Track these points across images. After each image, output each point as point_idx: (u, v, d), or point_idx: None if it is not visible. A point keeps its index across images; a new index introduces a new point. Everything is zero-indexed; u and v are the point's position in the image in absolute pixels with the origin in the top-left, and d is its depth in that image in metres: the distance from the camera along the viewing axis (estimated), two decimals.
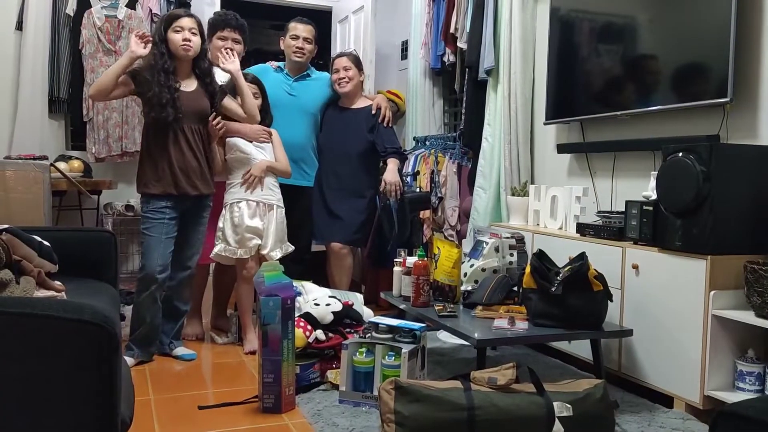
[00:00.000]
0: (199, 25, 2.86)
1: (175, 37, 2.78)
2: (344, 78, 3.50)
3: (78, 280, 2.23)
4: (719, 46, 2.41)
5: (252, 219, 3.00)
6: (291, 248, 3.14)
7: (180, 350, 2.95)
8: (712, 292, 2.19)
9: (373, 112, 3.53)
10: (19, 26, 4.08)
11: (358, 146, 3.51)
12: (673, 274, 2.33)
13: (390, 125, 3.55)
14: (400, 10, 4.95)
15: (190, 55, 2.82)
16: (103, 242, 2.56)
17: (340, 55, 3.59)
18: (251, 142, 3.06)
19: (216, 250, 3.01)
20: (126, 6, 4.22)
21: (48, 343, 1.24)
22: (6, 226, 1.89)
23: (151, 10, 4.29)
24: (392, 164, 3.47)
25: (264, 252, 3.01)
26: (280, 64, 3.58)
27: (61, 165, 3.81)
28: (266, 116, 3.16)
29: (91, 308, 1.27)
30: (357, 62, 3.56)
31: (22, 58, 4.05)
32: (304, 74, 3.54)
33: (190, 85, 2.86)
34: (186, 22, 2.80)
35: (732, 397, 2.15)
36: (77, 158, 4.07)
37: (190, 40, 2.79)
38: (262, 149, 3.08)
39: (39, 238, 2.00)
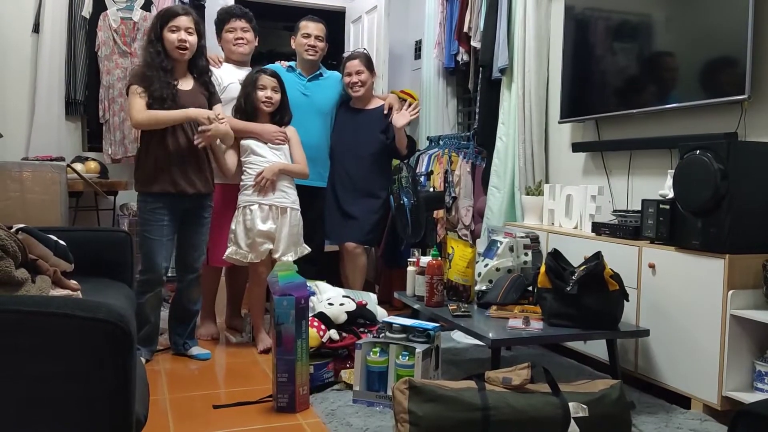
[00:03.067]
0: (197, 22, 2.81)
1: (171, 37, 2.73)
2: (357, 82, 3.49)
3: (93, 279, 2.24)
4: (737, 42, 2.38)
5: (264, 223, 2.98)
6: (307, 250, 3.12)
7: (195, 350, 2.97)
8: (730, 292, 2.16)
9: (385, 112, 3.52)
10: (36, 29, 4.12)
11: (370, 147, 3.51)
12: (690, 274, 2.31)
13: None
14: (414, 10, 4.95)
15: (185, 58, 2.79)
16: (119, 242, 2.57)
17: (352, 57, 3.56)
18: (266, 143, 3.05)
19: (228, 252, 3.01)
20: (141, 8, 4.25)
21: (64, 341, 1.25)
22: (22, 225, 1.91)
23: None
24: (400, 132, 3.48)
25: (275, 256, 3.00)
26: (291, 63, 3.58)
27: (78, 166, 3.85)
28: (285, 113, 3.13)
29: (107, 307, 1.28)
30: (369, 64, 3.54)
31: (39, 60, 4.09)
32: (316, 74, 3.54)
33: (186, 84, 2.83)
34: (183, 21, 2.74)
35: (750, 398, 2.12)
36: (93, 159, 4.10)
37: (185, 41, 2.74)
38: (277, 151, 3.07)
39: (55, 238, 2.01)
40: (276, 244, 3.01)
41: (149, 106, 2.71)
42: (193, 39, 2.77)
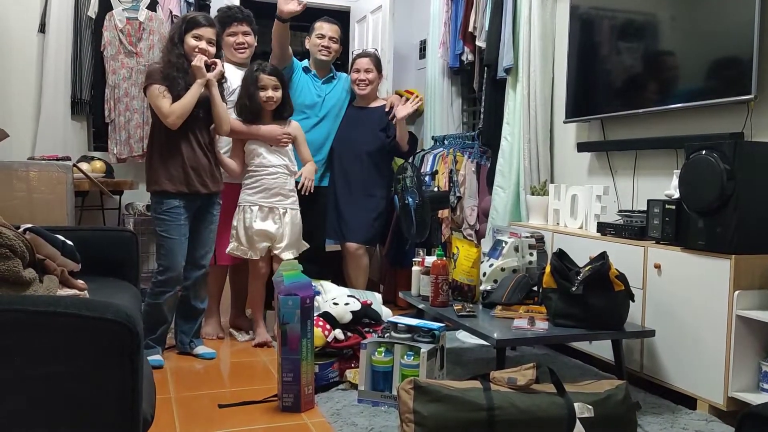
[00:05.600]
0: (218, 35, 2.88)
1: (192, 43, 2.80)
2: (364, 80, 3.51)
3: (100, 279, 2.25)
4: (743, 42, 2.38)
5: (264, 222, 3.06)
6: (305, 246, 3.19)
7: (200, 349, 2.98)
8: (737, 292, 2.16)
9: (387, 109, 3.54)
10: (42, 28, 4.13)
11: (369, 145, 3.52)
12: (696, 274, 2.30)
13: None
14: (419, 10, 4.94)
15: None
16: (125, 242, 2.58)
17: (363, 55, 3.60)
18: (271, 146, 3.10)
19: (230, 248, 3.11)
20: (147, 8, 4.26)
21: (71, 341, 1.26)
22: (29, 225, 1.91)
23: (171, 12, 4.32)
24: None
25: (276, 252, 3.09)
26: (305, 63, 3.61)
27: (84, 166, 3.86)
28: (285, 108, 3.17)
29: (114, 306, 1.28)
30: (378, 64, 3.58)
31: (45, 60, 4.10)
32: (330, 76, 3.58)
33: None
34: (207, 32, 2.82)
35: (756, 399, 2.12)
36: (99, 159, 4.11)
37: (205, 51, 2.81)
38: (280, 153, 3.11)
39: (62, 238, 2.02)
40: (276, 242, 3.09)
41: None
42: (212, 50, 2.84)
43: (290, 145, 3.17)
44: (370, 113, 3.58)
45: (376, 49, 3.97)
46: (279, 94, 3.11)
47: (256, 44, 3.42)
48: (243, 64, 3.35)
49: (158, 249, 2.87)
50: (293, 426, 2.20)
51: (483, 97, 3.84)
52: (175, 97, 2.74)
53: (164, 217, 2.81)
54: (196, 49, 2.79)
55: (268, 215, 3.08)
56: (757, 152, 2.23)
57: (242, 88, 3.12)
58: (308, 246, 3.20)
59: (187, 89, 2.76)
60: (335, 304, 2.74)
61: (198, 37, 2.80)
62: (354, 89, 3.57)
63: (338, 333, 2.62)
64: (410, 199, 3.41)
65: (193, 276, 2.96)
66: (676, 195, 2.43)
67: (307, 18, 3.61)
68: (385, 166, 3.61)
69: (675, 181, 2.50)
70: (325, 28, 3.52)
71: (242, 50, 3.33)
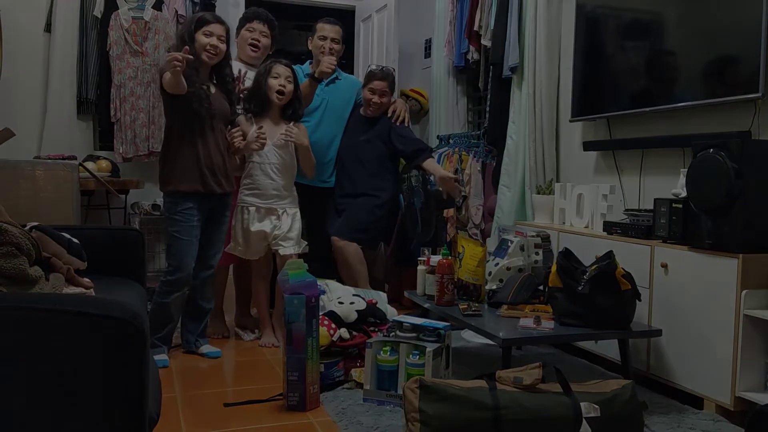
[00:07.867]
0: (227, 31, 2.87)
1: (203, 41, 2.79)
2: (378, 104, 3.48)
3: (106, 277, 2.25)
4: (750, 39, 2.36)
5: (261, 222, 3.05)
6: (304, 243, 3.16)
7: (205, 348, 2.98)
8: (744, 292, 2.14)
9: (389, 114, 3.52)
10: (48, 28, 4.14)
11: (373, 151, 3.50)
12: (703, 273, 2.29)
13: (407, 125, 3.56)
14: (424, 8, 4.93)
15: (212, 62, 2.84)
16: (131, 240, 2.58)
17: (381, 77, 3.49)
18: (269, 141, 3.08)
19: (228, 247, 3.10)
20: (152, 7, 4.27)
21: (77, 339, 1.25)
22: (36, 223, 1.92)
23: (176, 11, 4.33)
24: (432, 162, 3.45)
25: (276, 249, 3.06)
26: (306, 68, 3.59)
27: (90, 165, 3.87)
28: (298, 106, 3.14)
29: (120, 305, 1.28)
30: (393, 87, 3.57)
31: (51, 59, 4.12)
32: (333, 77, 3.56)
33: (211, 87, 2.88)
34: (217, 28, 2.82)
35: (764, 399, 2.11)
36: (105, 158, 4.13)
37: (216, 47, 2.81)
38: (281, 150, 3.09)
39: (68, 236, 2.02)
40: (276, 240, 3.06)
41: (188, 103, 2.73)
42: (223, 46, 2.84)
43: (292, 145, 3.15)
44: (374, 119, 3.57)
45: (394, 69, 3.89)
46: (291, 87, 3.06)
47: (270, 51, 3.40)
48: (252, 64, 3.35)
49: (168, 249, 2.86)
50: (298, 425, 2.20)
51: (488, 96, 3.83)
52: (189, 93, 2.72)
53: (177, 218, 2.81)
54: (207, 47, 2.79)
55: (266, 216, 3.06)
56: (764, 151, 2.22)
57: (254, 80, 3.10)
58: (306, 243, 3.17)
59: (197, 86, 2.74)
60: (340, 303, 2.74)
61: (209, 34, 2.80)
62: (364, 106, 3.53)
63: (343, 332, 2.62)
64: (416, 199, 3.40)
65: (201, 276, 2.96)
66: (683, 194, 2.42)
67: (311, 17, 3.60)
68: (387, 169, 3.58)
69: (682, 180, 2.49)
70: (326, 29, 3.49)
71: (255, 48, 3.32)
